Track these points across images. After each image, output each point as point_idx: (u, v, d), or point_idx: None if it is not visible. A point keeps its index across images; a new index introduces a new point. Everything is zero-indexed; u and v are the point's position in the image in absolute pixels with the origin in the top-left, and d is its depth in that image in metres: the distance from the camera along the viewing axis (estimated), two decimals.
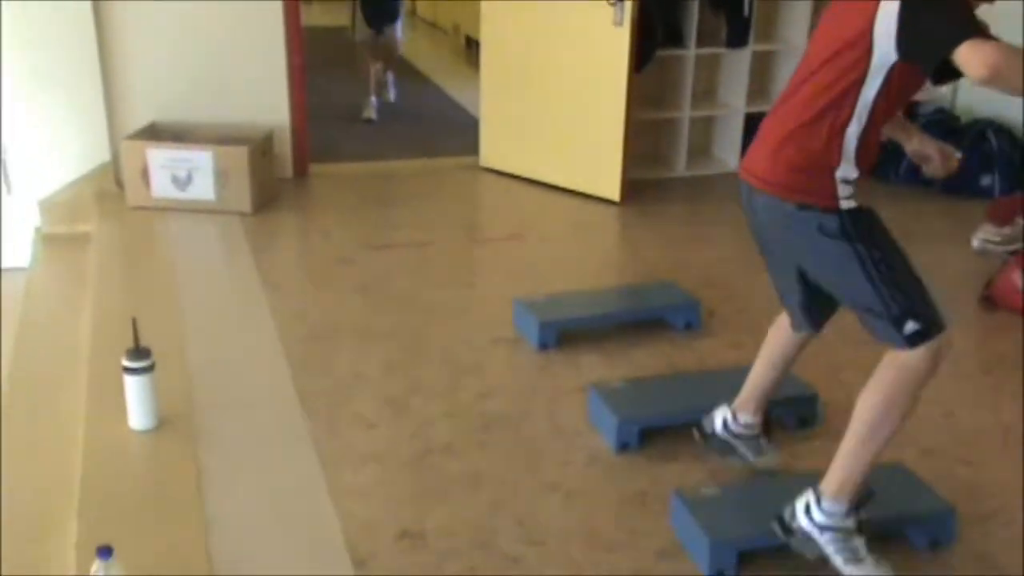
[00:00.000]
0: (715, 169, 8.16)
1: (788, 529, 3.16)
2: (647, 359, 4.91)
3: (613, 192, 7.29)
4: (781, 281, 3.31)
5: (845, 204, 2.81)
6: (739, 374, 3.76)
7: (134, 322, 4.06)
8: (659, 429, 4.18)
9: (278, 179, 7.46)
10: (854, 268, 2.80)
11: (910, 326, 2.77)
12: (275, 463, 4.03)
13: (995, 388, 4.67)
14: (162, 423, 4.17)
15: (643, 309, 5.34)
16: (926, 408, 3.13)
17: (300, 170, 7.80)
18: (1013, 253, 5.84)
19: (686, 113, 7.93)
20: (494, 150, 7.97)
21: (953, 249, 6.31)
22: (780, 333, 3.51)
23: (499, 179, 7.84)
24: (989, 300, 5.43)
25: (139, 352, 4.10)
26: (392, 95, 10.25)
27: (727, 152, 8.21)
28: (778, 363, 3.57)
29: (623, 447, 4.10)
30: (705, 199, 7.60)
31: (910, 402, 2.87)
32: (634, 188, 7.38)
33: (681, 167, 8.07)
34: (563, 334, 5.05)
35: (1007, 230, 6.05)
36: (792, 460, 4.02)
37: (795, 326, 3.43)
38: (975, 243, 6.20)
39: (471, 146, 8.16)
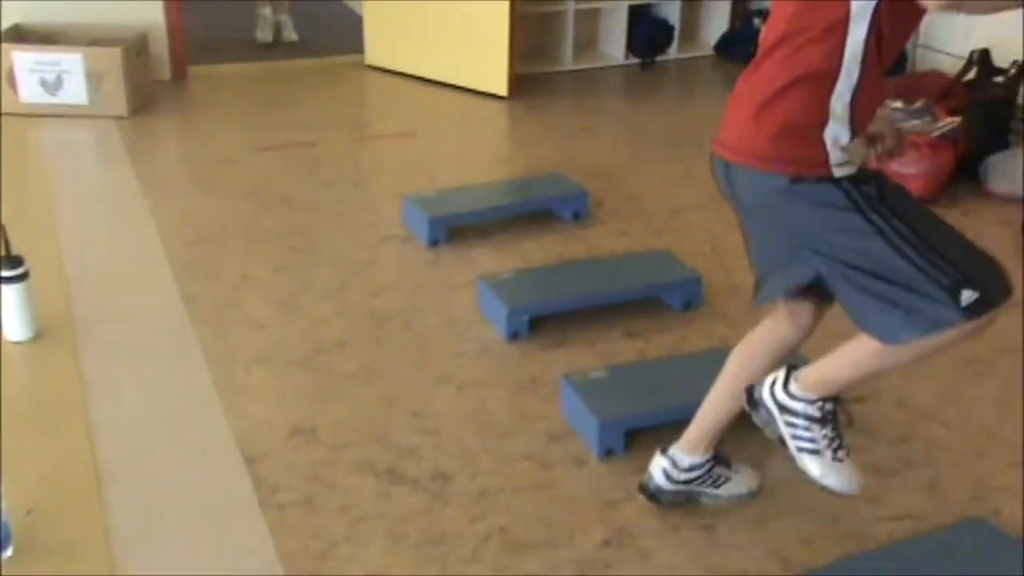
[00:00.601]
0: (601, 62, 8.14)
1: (754, 403, 2.81)
2: (536, 250, 4.93)
3: (500, 87, 7.22)
4: (776, 263, 2.64)
5: (839, 172, 2.33)
6: (625, 260, 3.81)
7: (2, 229, 3.91)
8: (548, 317, 4.23)
9: (155, 81, 7.20)
10: (878, 244, 2.32)
11: (967, 296, 2.28)
12: (162, 368, 3.97)
13: None
14: (41, 333, 4.06)
15: (532, 201, 5.35)
16: None
17: (179, 72, 7.54)
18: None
19: (571, 6, 7.86)
20: (379, 48, 7.81)
21: None
22: (755, 355, 2.92)
23: (386, 77, 7.70)
24: None
25: (11, 260, 3.96)
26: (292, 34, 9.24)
27: (613, 46, 8.19)
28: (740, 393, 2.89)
29: (513, 336, 4.13)
30: (592, 92, 7.60)
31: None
32: (521, 83, 7.33)
33: (568, 61, 8.03)
34: (453, 229, 5.03)
35: None
36: (679, 341, 4.12)
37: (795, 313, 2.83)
38: None
39: (356, 44, 7.97)
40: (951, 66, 6.42)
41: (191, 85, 7.50)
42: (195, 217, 5.32)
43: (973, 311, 2.28)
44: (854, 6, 2.19)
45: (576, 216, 5.20)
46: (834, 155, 2.32)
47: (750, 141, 2.39)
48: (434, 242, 4.96)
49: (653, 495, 3.11)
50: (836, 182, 2.33)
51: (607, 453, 3.39)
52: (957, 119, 5.56)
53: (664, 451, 3.12)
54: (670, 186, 5.70)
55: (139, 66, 6.85)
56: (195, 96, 7.34)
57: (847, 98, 2.28)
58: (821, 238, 2.39)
